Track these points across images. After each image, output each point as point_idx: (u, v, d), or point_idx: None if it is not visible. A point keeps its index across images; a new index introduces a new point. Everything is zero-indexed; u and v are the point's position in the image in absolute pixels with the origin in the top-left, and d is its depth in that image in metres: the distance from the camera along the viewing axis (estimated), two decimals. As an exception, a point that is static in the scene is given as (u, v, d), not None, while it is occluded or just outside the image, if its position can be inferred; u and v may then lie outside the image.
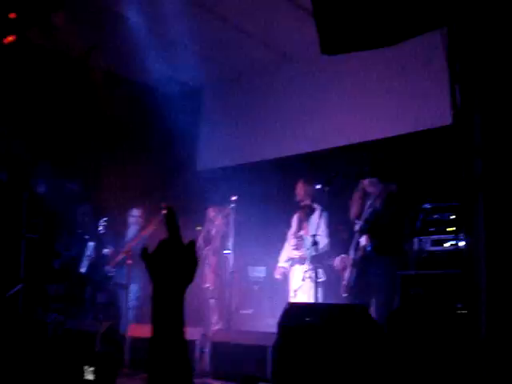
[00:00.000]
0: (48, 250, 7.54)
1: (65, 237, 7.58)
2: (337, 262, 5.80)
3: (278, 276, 6.55)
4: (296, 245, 6.46)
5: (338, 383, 3.81)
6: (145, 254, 1.29)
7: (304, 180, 6.57)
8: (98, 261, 7.34)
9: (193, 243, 1.30)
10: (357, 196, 5.81)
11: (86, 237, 7.32)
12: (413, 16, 3.16)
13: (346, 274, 5.65)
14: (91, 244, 7.32)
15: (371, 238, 5.55)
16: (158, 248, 1.28)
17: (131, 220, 7.59)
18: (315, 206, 6.48)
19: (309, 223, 6.42)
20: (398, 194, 5.67)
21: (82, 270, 7.29)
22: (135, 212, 7.59)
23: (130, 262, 6.81)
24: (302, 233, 6.46)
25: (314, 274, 5.75)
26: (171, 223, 1.30)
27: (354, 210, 5.80)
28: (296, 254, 6.42)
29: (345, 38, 3.21)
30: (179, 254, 1.28)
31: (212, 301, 6.87)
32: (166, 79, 8.94)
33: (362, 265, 5.58)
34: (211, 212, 7.22)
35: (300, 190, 6.57)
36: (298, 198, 6.59)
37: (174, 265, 1.27)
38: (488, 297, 3.65)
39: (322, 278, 5.95)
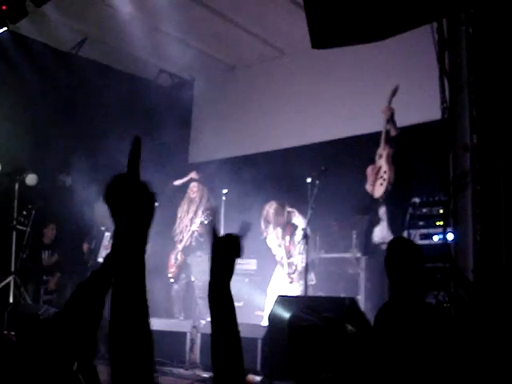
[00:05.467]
0: (38, 242, 7.52)
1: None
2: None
3: None
4: (289, 274, 6.00)
5: (327, 374, 3.85)
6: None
7: (276, 201, 6.18)
8: None
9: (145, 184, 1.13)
10: (370, 169, 5.40)
11: (103, 228, 7.26)
12: (402, 11, 3.19)
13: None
14: (108, 234, 7.26)
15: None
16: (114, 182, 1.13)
17: None
18: (294, 220, 6.10)
19: (294, 242, 6.02)
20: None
21: (100, 259, 7.19)
22: None
23: None
24: (292, 259, 6.01)
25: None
26: (133, 157, 1.13)
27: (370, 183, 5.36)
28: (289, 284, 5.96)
29: (335, 33, 3.23)
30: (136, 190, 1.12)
31: (200, 293, 6.81)
32: (158, 71, 8.93)
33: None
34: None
35: (272, 211, 6.09)
36: (270, 219, 6.14)
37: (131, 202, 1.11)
38: (476, 289, 3.71)
39: (313, 281, 5.81)
